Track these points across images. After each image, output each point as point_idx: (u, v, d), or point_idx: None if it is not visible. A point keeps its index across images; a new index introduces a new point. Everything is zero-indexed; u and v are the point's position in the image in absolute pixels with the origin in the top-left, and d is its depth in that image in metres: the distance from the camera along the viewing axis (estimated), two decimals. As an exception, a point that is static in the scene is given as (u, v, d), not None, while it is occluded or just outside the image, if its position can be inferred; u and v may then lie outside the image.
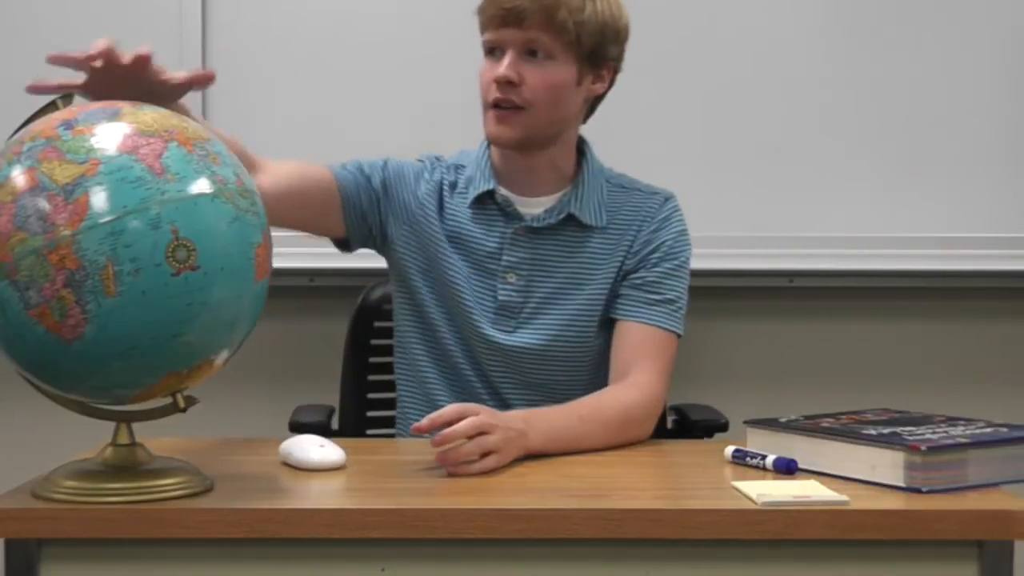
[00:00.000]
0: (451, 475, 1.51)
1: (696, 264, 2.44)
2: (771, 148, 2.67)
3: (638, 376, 1.84)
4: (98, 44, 1.49)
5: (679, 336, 1.91)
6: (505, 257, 1.91)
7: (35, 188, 1.26)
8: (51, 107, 1.39)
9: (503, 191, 1.92)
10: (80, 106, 1.36)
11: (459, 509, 1.35)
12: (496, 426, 1.56)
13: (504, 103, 1.83)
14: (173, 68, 1.57)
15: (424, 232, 1.93)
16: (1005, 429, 1.53)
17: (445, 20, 2.62)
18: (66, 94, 1.42)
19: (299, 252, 2.35)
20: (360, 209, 1.93)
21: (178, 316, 1.28)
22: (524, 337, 1.90)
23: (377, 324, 2.28)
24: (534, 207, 1.92)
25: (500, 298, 1.90)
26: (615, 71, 1.92)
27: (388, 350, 2.21)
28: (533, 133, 1.86)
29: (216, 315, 1.31)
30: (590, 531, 1.33)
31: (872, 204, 2.67)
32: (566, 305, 1.91)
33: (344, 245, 1.98)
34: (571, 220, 1.91)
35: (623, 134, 2.62)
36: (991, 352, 2.78)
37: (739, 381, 2.74)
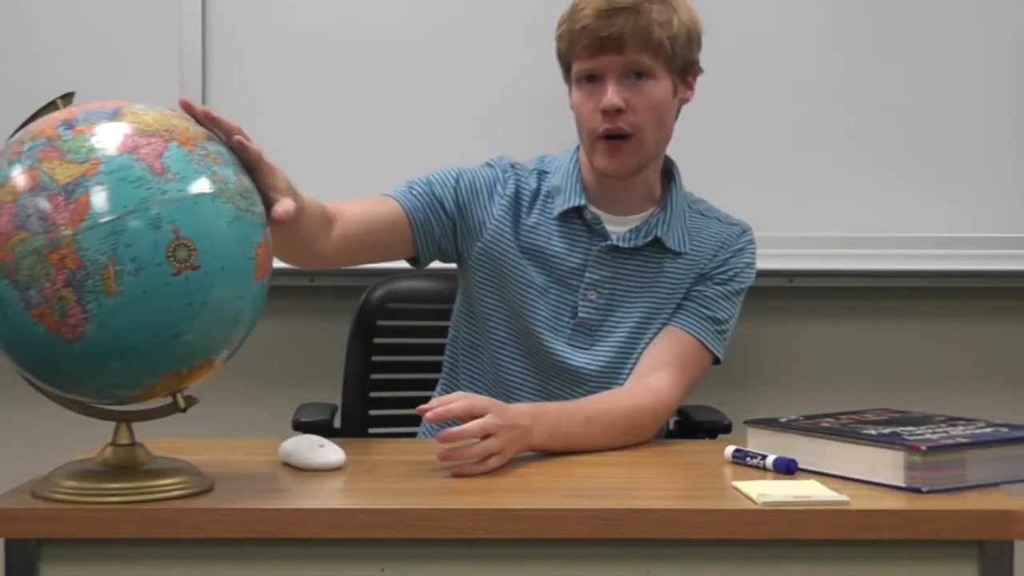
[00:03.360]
0: (455, 475, 1.51)
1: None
2: (771, 148, 2.67)
3: (657, 382, 1.83)
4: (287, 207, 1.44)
5: (716, 360, 1.91)
6: (588, 274, 1.89)
7: (36, 188, 1.26)
8: (51, 107, 1.39)
9: (593, 209, 1.90)
10: (80, 105, 1.36)
11: (459, 509, 1.35)
12: (501, 427, 1.55)
13: (614, 132, 1.82)
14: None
15: (498, 249, 1.91)
16: (1005, 429, 1.53)
17: (446, 20, 2.62)
18: (66, 94, 1.42)
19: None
20: (432, 236, 1.90)
21: (178, 316, 1.28)
22: (596, 355, 1.89)
23: (380, 323, 2.28)
24: (620, 225, 1.91)
25: (580, 315, 1.89)
26: (699, 74, 1.92)
27: (390, 349, 2.22)
28: (643, 159, 1.87)
29: (216, 315, 1.31)
30: (590, 531, 1.33)
31: (872, 204, 2.67)
32: (640, 326, 1.90)
33: (414, 262, 1.95)
34: (655, 242, 1.90)
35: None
36: (991, 352, 2.77)
37: (739, 381, 2.74)
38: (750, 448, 1.59)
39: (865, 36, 2.66)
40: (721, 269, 1.92)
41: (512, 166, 1.96)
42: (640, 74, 1.82)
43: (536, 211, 1.92)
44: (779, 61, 2.66)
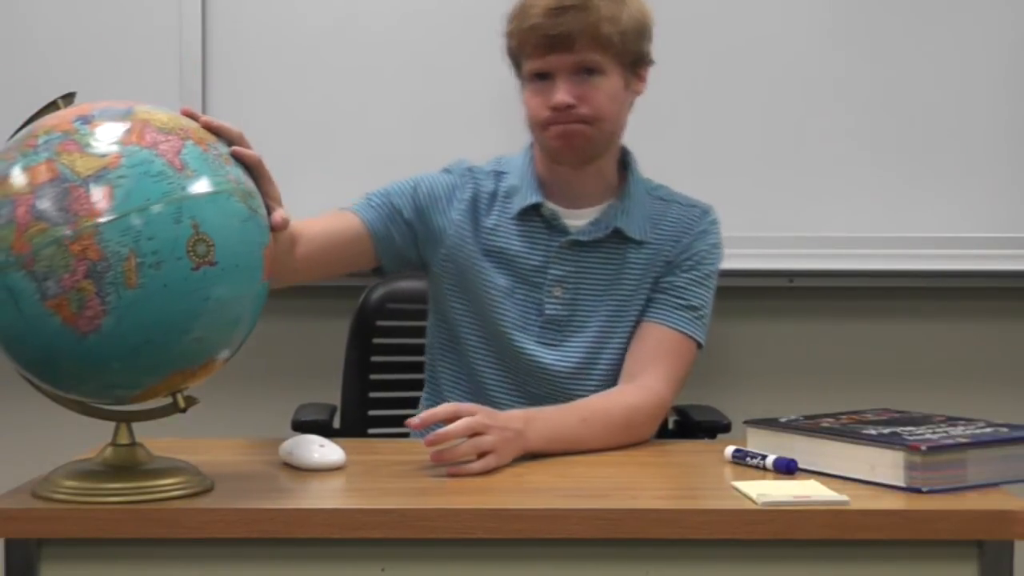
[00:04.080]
0: (451, 475, 1.51)
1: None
2: (771, 148, 2.67)
3: (647, 379, 1.83)
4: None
5: (700, 345, 1.90)
6: (552, 271, 1.89)
7: (56, 179, 1.26)
8: (52, 107, 1.39)
9: (550, 205, 1.90)
10: (90, 103, 1.36)
11: (459, 509, 1.35)
12: (491, 426, 1.56)
13: (566, 120, 1.82)
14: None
15: (461, 254, 1.91)
16: (1005, 429, 1.53)
17: (446, 19, 2.62)
18: (67, 94, 1.42)
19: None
20: (394, 246, 1.90)
21: (193, 312, 1.29)
22: (568, 352, 1.89)
23: (379, 323, 2.28)
24: (579, 219, 1.90)
25: (547, 312, 1.89)
26: (649, 66, 1.92)
27: (389, 349, 2.22)
28: (597, 147, 1.86)
29: (225, 312, 1.32)
30: (590, 531, 1.33)
31: (872, 204, 2.67)
32: (610, 320, 1.89)
33: (380, 272, 1.96)
34: (616, 233, 1.90)
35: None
36: (991, 352, 2.78)
37: (739, 381, 2.74)
38: (750, 448, 1.59)
39: (865, 36, 2.66)
40: (687, 255, 1.91)
41: (469, 170, 1.96)
42: (590, 70, 1.81)
43: (495, 212, 1.92)
44: (779, 61, 2.66)
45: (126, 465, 1.39)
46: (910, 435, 1.47)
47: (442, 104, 2.63)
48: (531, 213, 1.90)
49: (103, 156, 1.27)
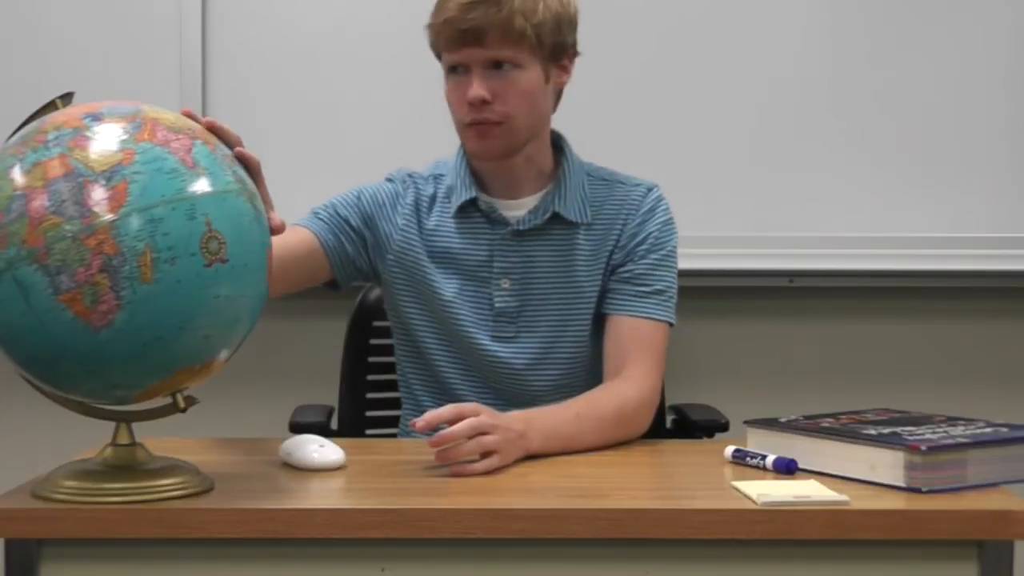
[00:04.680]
0: (454, 475, 1.51)
1: (697, 264, 2.45)
2: (771, 148, 2.67)
3: (632, 370, 1.83)
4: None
5: (671, 325, 1.90)
6: (496, 264, 1.89)
7: (70, 174, 1.27)
8: (51, 107, 1.39)
9: (486, 198, 1.90)
10: (95, 102, 1.36)
11: (459, 509, 1.35)
12: (496, 426, 1.56)
13: (482, 122, 1.82)
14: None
15: (408, 259, 1.92)
16: (1005, 429, 1.53)
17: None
18: (66, 93, 1.42)
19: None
20: (346, 257, 1.92)
21: (204, 308, 1.29)
22: (524, 345, 1.89)
23: (376, 324, 2.28)
24: (518, 209, 1.90)
25: (497, 305, 1.89)
26: (574, 57, 1.90)
27: (387, 350, 2.21)
28: (515, 143, 1.85)
29: (233, 310, 1.33)
30: (590, 531, 1.33)
31: (872, 204, 2.67)
32: (561, 305, 1.90)
33: (332, 285, 1.96)
34: (556, 219, 1.90)
35: (622, 134, 2.63)
36: (991, 352, 2.78)
37: (739, 381, 2.74)
38: (750, 448, 1.58)
39: (865, 36, 2.66)
40: (640, 239, 1.90)
41: (410, 175, 1.97)
42: (503, 65, 1.81)
43: (435, 214, 1.93)
44: (779, 61, 2.66)
45: (126, 465, 1.39)
46: (910, 435, 1.47)
47: (442, 104, 2.62)
48: (469, 209, 1.91)
49: (117, 152, 1.28)
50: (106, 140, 1.29)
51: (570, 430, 1.69)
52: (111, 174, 1.27)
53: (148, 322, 1.27)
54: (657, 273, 1.89)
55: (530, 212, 1.90)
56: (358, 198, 1.94)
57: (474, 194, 1.90)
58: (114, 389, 1.34)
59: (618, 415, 1.76)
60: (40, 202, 1.26)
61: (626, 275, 1.90)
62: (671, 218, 1.94)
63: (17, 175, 1.28)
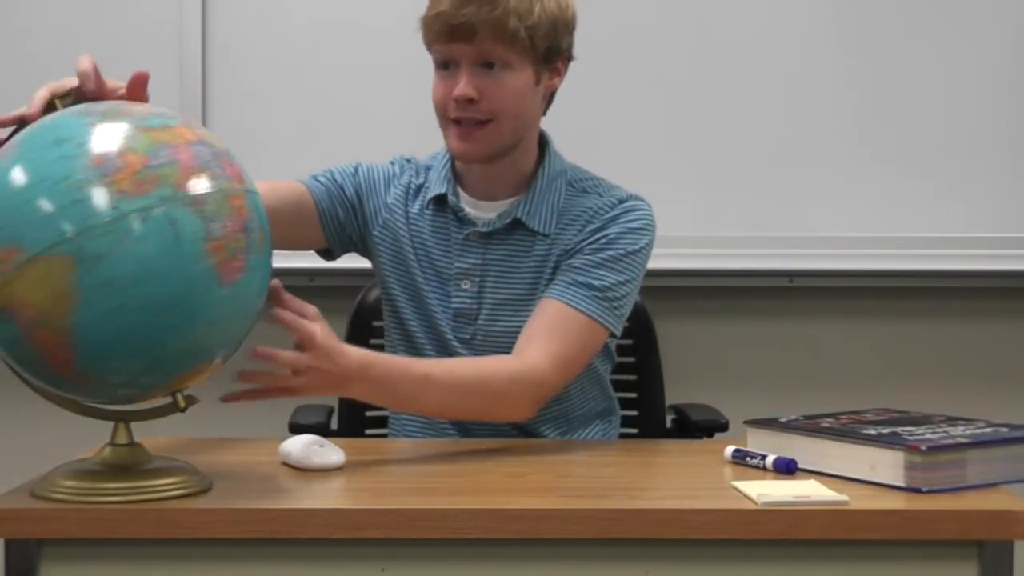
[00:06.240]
0: (224, 400, 1.53)
1: (697, 264, 2.45)
2: (771, 148, 2.67)
3: (531, 349, 1.75)
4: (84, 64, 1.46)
5: (604, 328, 1.80)
6: (457, 263, 1.87)
7: (204, 140, 1.31)
8: (50, 108, 1.39)
9: (464, 195, 1.89)
10: (131, 105, 1.38)
11: (459, 509, 1.34)
12: (311, 367, 1.54)
13: (466, 120, 1.79)
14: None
15: (396, 238, 1.92)
16: (1005, 429, 1.53)
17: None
18: (66, 92, 1.42)
19: (299, 252, 2.35)
20: (338, 220, 1.92)
21: (261, 295, 1.37)
22: (478, 347, 1.86)
23: (375, 324, 2.28)
24: (490, 211, 1.88)
25: (454, 305, 1.87)
26: (568, 60, 1.87)
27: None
28: (499, 145, 1.82)
29: (254, 305, 1.36)
30: (590, 531, 1.33)
31: (872, 204, 2.68)
32: (519, 312, 1.85)
33: (327, 254, 1.97)
34: (520, 226, 1.86)
35: (623, 134, 2.63)
36: (991, 352, 2.78)
37: (739, 381, 2.74)
38: (750, 448, 1.58)
39: (865, 36, 2.66)
40: (592, 239, 1.83)
41: (409, 161, 1.97)
42: (493, 64, 1.78)
43: (417, 203, 1.93)
44: (779, 61, 2.66)
45: (125, 465, 1.39)
46: (910, 435, 1.47)
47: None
48: (442, 205, 1.90)
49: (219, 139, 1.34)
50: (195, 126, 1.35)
51: (410, 390, 1.65)
52: (226, 152, 1.33)
53: (253, 292, 1.34)
54: (600, 271, 1.81)
55: (498, 216, 1.87)
56: (355, 171, 1.95)
57: (443, 190, 1.89)
58: (188, 359, 1.33)
59: (479, 386, 1.69)
60: (188, 155, 1.28)
61: (566, 267, 1.83)
62: (644, 227, 1.85)
63: (144, 131, 1.29)
